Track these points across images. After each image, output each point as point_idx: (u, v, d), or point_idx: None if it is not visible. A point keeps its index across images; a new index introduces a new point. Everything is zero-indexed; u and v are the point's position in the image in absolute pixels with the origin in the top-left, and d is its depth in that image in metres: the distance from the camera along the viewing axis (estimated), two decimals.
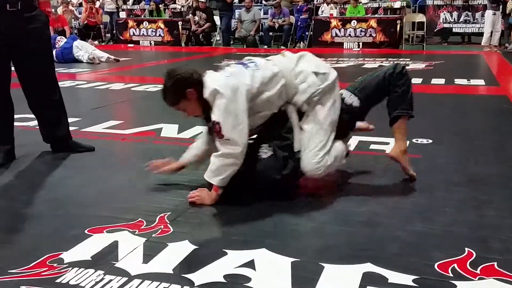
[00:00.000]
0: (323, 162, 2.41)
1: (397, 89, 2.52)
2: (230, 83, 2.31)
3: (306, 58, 2.53)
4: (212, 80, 2.34)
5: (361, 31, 11.55)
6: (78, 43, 9.15)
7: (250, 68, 2.40)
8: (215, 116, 2.29)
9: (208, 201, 2.37)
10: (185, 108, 2.42)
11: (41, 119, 3.32)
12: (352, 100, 2.56)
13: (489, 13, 10.18)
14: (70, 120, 3.43)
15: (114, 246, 1.96)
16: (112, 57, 9.21)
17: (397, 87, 2.52)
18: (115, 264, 1.83)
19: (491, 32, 10.20)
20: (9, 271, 1.78)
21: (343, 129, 2.56)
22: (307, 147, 2.42)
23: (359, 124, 2.81)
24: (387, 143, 3.35)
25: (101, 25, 14.21)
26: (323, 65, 2.55)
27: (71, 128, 3.44)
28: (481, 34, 11.66)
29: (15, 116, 3.26)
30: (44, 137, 3.36)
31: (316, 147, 2.41)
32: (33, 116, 3.41)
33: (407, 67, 2.65)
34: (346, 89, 2.61)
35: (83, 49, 9.04)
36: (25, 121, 3.98)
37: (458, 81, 6.34)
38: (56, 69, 3.48)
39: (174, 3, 14.67)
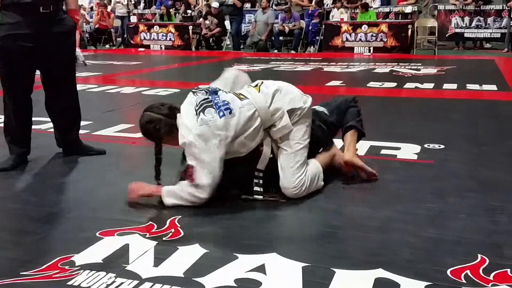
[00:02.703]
0: (301, 182, 2.46)
1: (353, 108, 2.86)
2: (203, 133, 2.30)
3: (282, 92, 2.50)
4: (185, 129, 2.35)
5: (372, 35, 11.53)
6: None
7: (225, 117, 2.33)
8: (191, 162, 2.34)
9: (145, 192, 2.47)
10: (166, 142, 2.53)
11: (57, 123, 3.33)
12: (321, 109, 2.83)
13: None
14: (81, 123, 3.44)
15: (125, 249, 1.96)
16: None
17: (353, 107, 2.87)
18: (126, 267, 1.83)
19: None
20: (20, 273, 1.78)
21: (323, 141, 2.73)
22: (285, 166, 2.46)
23: None
24: (399, 148, 3.34)
25: (112, 29, 14.31)
26: (298, 98, 2.53)
27: (83, 132, 3.46)
28: (493, 39, 11.58)
29: None
30: (58, 141, 3.37)
31: (292, 167, 2.46)
32: (46, 119, 3.42)
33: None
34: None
35: None
36: (38, 124, 3.99)
37: (470, 86, 6.30)
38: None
39: (188, 8, 14.72)
